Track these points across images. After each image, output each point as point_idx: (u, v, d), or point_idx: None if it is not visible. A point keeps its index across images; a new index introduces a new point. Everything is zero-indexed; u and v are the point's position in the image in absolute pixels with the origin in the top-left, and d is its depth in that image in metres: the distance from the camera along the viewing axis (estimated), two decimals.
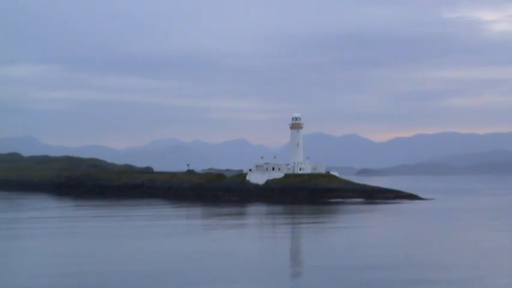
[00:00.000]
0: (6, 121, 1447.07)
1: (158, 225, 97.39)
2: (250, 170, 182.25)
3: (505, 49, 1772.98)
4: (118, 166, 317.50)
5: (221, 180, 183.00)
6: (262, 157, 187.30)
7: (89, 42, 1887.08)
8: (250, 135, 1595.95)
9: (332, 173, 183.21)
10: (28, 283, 49.30)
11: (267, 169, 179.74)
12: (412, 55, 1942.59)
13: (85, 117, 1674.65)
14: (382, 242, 76.46)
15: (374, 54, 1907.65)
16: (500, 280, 50.41)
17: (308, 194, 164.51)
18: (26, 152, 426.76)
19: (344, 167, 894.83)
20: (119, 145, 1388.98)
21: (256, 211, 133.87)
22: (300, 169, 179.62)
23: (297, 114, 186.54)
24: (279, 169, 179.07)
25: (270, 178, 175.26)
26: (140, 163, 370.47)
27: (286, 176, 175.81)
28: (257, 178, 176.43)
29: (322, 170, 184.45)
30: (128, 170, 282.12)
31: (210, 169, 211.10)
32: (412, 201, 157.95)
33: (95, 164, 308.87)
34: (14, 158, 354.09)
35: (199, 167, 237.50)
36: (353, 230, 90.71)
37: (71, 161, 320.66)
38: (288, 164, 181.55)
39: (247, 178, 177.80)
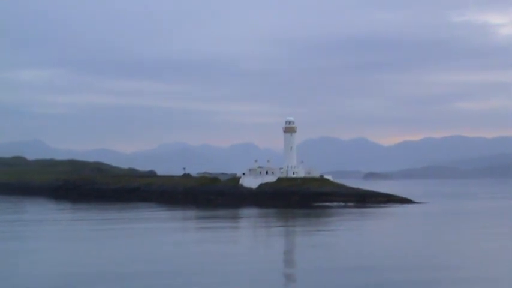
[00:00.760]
0: (14, 125, 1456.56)
1: (126, 228, 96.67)
2: (243, 173, 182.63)
3: None
4: (122, 170, 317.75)
5: (215, 184, 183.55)
6: (256, 160, 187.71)
7: (96, 46, 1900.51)
8: (258, 139, 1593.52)
9: (326, 177, 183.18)
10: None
11: (260, 173, 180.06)
12: (420, 59, 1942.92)
13: (93, 121, 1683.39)
14: (374, 244, 76.69)
15: (382, 58, 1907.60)
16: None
17: (300, 197, 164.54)
18: (34, 155, 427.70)
19: (351, 171, 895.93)
20: (126, 149, 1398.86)
21: (246, 214, 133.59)
22: (294, 173, 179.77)
23: (290, 118, 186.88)
24: (273, 173, 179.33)
25: (263, 182, 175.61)
26: (147, 167, 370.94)
27: (279, 179, 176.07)
28: (250, 182, 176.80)
29: (316, 174, 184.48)
30: (131, 173, 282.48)
31: (204, 173, 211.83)
32: (404, 205, 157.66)
33: (99, 168, 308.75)
34: (18, 162, 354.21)
35: (205, 171, 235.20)
36: (342, 233, 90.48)
37: (75, 165, 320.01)
38: (282, 168, 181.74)
39: (240, 182, 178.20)
